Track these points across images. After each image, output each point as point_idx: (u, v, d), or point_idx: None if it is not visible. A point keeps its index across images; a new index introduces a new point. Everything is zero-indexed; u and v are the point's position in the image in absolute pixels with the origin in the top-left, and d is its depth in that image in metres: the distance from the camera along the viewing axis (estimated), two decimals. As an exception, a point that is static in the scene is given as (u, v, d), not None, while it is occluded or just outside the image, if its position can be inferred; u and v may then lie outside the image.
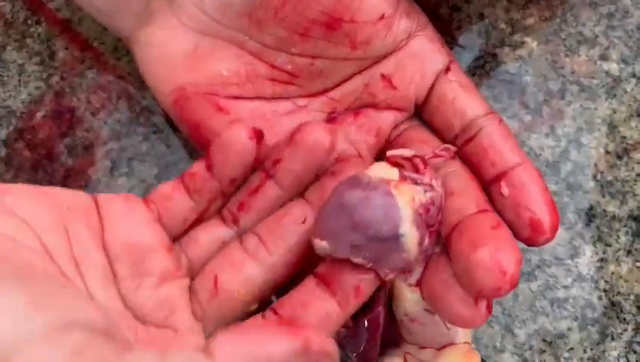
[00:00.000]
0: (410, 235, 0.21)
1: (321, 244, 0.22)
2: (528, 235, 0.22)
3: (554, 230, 0.22)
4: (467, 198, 0.22)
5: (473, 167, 0.24)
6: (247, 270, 0.23)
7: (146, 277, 0.23)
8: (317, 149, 0.24)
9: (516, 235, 0.22)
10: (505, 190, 0.23)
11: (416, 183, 0.22)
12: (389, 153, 0.24)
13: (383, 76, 0.26)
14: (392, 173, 0.22)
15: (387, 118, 0.26)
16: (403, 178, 0.22)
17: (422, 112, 0.26)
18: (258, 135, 0.24)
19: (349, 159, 0.24)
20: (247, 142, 0.23)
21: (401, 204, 0.21)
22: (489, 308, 0.21)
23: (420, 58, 0.25)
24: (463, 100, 0.25)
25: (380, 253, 0.21)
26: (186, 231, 0.24)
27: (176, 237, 0.24)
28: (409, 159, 0.23)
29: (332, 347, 0.17)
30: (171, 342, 0.22)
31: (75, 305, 0.17)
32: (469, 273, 0.20)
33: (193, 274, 0.24)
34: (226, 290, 0.23)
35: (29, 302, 0.16)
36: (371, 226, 0.21)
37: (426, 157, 0.23)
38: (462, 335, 0.25)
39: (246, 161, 0.24)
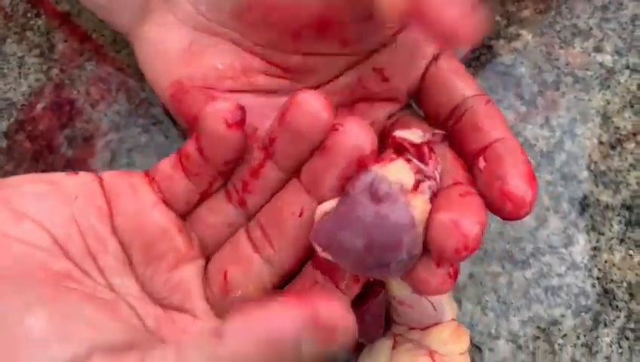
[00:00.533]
0: (417, 253, 0.20)
1: (322, 254, 0.21)
2: (501, 206, 0.21)
3: (530, 201, 0.21)
4: (447, 177, 0.23)
5: (459, 147, 0.24)
6: (255, 267, 0.23)
7: (160, 261, 0.23)
8: (311, 127, 0.22)
9: (490, 208, 0.22)
10: (481, 163, 0.22)
11: (423, 175, 0.21)
12: (397, 133, 0.22)
13: (374, 70, 0.26)
14: (409, 176, 0.21)
15: (381, 111, 0.26)
16: (416, 184, 0.21)
17: (415, 101, 0.26)
18: (238, 117, 0.22)
19: (342, 125, 0.22)
20: (228, 133, 0.22)
21: (418, 222, 0.20)
22: (454, 275, 0.21)
23: (411, 49, 0.26)
24: (451, 84, 0.25)
25: (383, 272, 0.21)
26: (192, 209, 0.24)
27: (183, 215, 0.24)
28: (416, 146, 0.22)
29: (346, 317, 0.17)
30: (191, 327, 0.23)
31: (94, 325, 0.18)
32: (430, 235, 0.20)
33: (206, 252, 0.24)
34: (236, 286, 0.23)
35: (50, 330, 0.17)
36: (384, 253, 0.20)
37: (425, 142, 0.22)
38: (449, 314, 0.25)
39: (235, 146, 0.23)
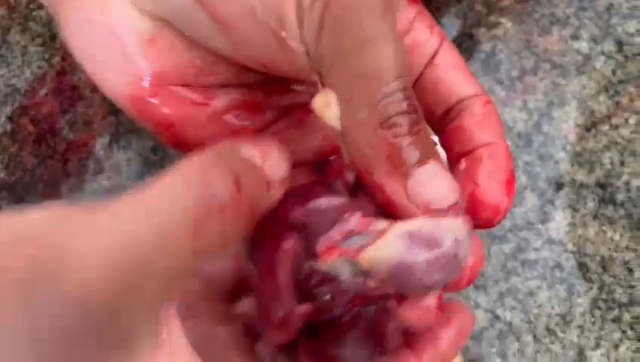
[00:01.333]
0: None
1: None
2: (473, 211, 0.20)
3: (504, 209, 0.20)
4: None
5: (447, 148, 0.23)
6: None
7: None
8: None
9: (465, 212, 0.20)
10: (462, 165, 0.21)
11: None
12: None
13: None
14: None
15: None
16: None
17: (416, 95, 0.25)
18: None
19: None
20: None
21: None
22: (440, 308, 0.23)
23: (410, 51, 0.23)
24: (449, 82, 0.23)
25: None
26: None
27: None
28: None
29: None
30: None
31: None
32: None
33: None
34: None
35: None
36: None
37: None
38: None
39: None
